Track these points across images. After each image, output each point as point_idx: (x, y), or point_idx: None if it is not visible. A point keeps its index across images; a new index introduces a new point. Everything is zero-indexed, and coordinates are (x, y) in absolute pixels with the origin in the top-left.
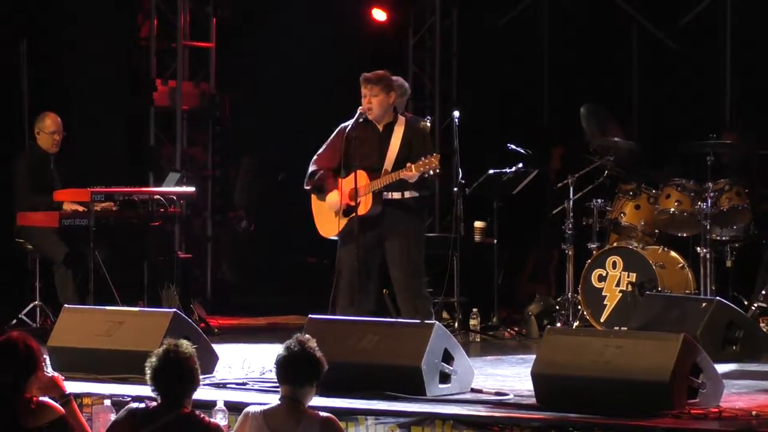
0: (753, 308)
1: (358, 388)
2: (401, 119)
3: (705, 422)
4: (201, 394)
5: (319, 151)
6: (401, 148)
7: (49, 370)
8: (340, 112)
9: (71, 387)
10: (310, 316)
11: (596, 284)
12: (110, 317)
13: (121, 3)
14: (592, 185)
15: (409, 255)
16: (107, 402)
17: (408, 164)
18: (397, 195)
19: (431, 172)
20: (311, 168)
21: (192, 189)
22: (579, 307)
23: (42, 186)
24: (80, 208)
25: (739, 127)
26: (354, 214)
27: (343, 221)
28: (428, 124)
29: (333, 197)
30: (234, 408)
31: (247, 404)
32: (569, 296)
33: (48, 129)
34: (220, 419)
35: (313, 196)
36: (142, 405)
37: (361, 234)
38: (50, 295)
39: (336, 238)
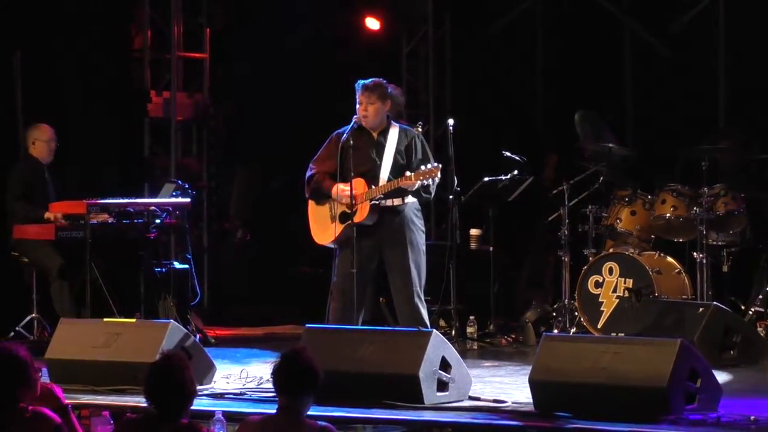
0: (750, 313)
1: (356, 397)
2: (394, 125)
3: (703, 427)
4: (199, 404)
5: (314, 157)
6: (396, 154)
7: (47, 381)
8: (335, 121)
9: (69, 399)
10: (306, 325)
11: (593, 290)
12: (107, 329)
13: (114, 14)
14: (587, 191)
15: (409, 262)
16: (105, 413)
17: (407, 173)
18: (397, 201)
19: (430, 181)
20: (308, 173)
21: (187, 200)
22: (576, 313)
23: (37, 197)
24: (58, 216)
25: (733, 132)
26: (350, 222)
27: (339, 228)
28: (420, 129)
29: (336, 190)
30: (232, 418)
31: (245, 414)
32: (566, 303)
33: (44, 137)
34: (218, 430)
35: (311, 203)
36: (141, 416)
37: (359, 242)
38: (48, 307)
39: (332, 245)
